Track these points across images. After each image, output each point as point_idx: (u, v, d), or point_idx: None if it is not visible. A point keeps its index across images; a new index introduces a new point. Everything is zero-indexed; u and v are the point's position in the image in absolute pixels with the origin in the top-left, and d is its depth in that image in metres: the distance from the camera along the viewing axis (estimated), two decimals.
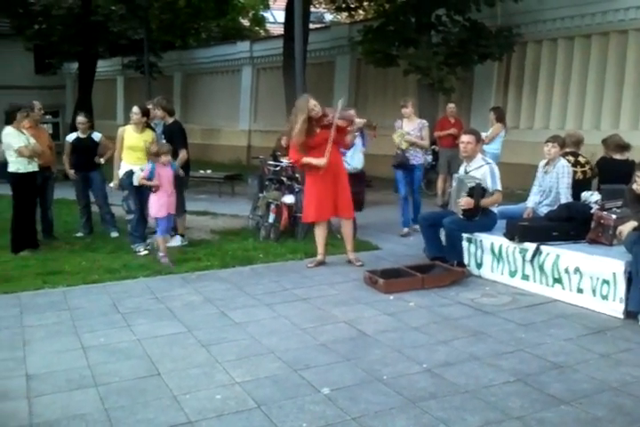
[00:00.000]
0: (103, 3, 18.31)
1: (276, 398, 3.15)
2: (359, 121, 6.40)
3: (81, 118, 7.42)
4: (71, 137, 7.45)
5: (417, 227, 6.78)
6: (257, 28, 25.25)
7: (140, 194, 6.38)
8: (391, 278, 5.09)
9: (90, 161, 7.28)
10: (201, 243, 7.06)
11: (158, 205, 5.99)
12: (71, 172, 7.38)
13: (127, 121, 7.56)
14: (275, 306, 4.70)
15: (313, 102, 5.60)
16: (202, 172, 11.65)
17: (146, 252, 6.40)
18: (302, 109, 5.53)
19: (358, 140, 7.17)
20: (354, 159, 7.22)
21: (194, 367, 3.53)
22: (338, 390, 3.22)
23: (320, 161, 5.58)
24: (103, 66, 21.68)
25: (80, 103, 18.60)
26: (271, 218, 7.08)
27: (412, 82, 12.10)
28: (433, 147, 11.30)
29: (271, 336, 4.04)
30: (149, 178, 5.96)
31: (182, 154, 6.62)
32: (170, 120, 6.88)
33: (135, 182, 6.17)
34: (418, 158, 7.37)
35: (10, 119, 6.26)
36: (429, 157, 10.83)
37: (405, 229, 7.38)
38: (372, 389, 3.25)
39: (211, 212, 9.27)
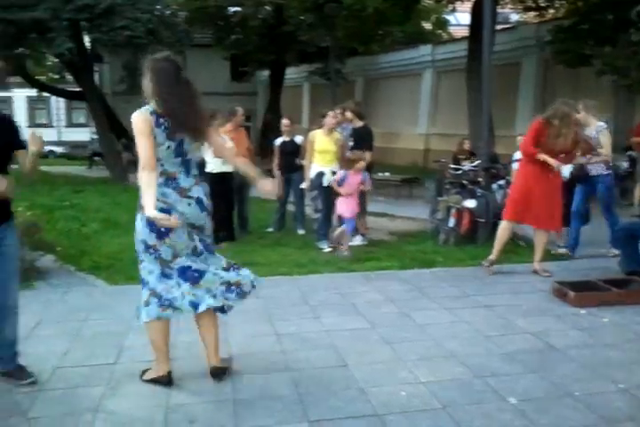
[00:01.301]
0: (294, 13, 19.35)
1: (460, 401, 3.14)
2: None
3: (284, 121, 7.90)
4: (278, 141, 7.93)
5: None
6: (439, 31, 25.09)
7: (328, 195, 6.69)
8: (583, 291, 4.81)
9: (292, 163, 7.68)
10: (380, 243, 7.22)
11: (344, 208, 6.34)
12: (278, 173, 7.75)
13: (312, 125, 7.94)
14: (456, 311, 4.67)
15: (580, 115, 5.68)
16: (380, 174, 11.87)
17: (329, 249, 6.70)
18: (569, 116, 5.44)
19: None
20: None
21: (378, 363, 3.64)
22: (525, 402, 3.14)
23: (555, 163, 5.43)
24: (291, 73, 22.95)
25: (270, 108, 19.88)
26: (451, 222, 7.03)
27: (606, 83, 11.28)
28: (629, 153, 10.42)
29: (453, 340, 4.03)
30: (340, 184, 6.30)
31: (367, 157, 6.83)
32: (359, 124, 7.13)
33: (325, 183, 6.52)
34: (599, 168, 6.15)
35: None
36: (625, 164, 10.02)
37: (563, 250, 6.50)
38: (562, 403, 3.11)
39: (389, 214, 9.42)
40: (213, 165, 6.82)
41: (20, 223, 4.67)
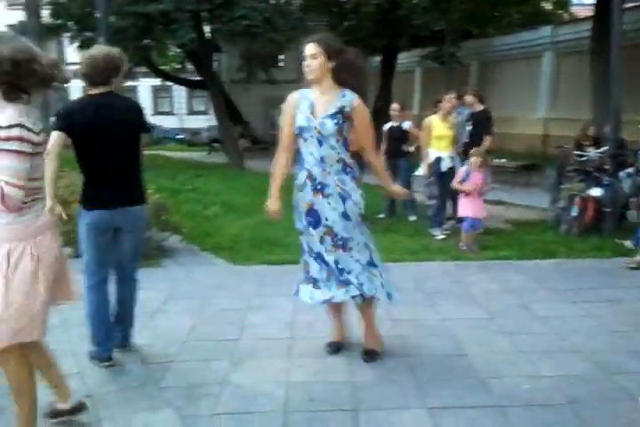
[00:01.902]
0: None
1: (587, 398, 3.00)
2: None
3: (394, 106, 7.83)
4: (386, 126, 7.87)
5: None
6: (560, 12, 23.74)
7: (443, 181, 6.57)
8: None
9: (398, 149, 7.64)
10: (496, 232, 7.00)
11: (464, 206, 6.15)
12: (384, 158, 7.81)
13: (423, 111, 7.78)
14: (580, 304, 4.45)
15: None
16: (496, 161, 11.47)
17: (443, 236, 6.60)
18: None
19: None
20: None
21: (498, 353, 3.56)
22: None
23: None
24: (402, 58, 22.61)
25: (381, 94, 19.75)
26: (574, 211, 6.69)
27: None
28: None
29: (577, 335, 3.85)
30: (463, 181, 6.11)
31: (487, 142, 6.64)
32: (479, 107, 6.95)
33: (442, 169, 6.39)
34: None
35: None
36: None
37: None
38: None
39: (505, 201, 9.10)
40: None
41: (149, 205, 4.96)
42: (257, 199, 9.26)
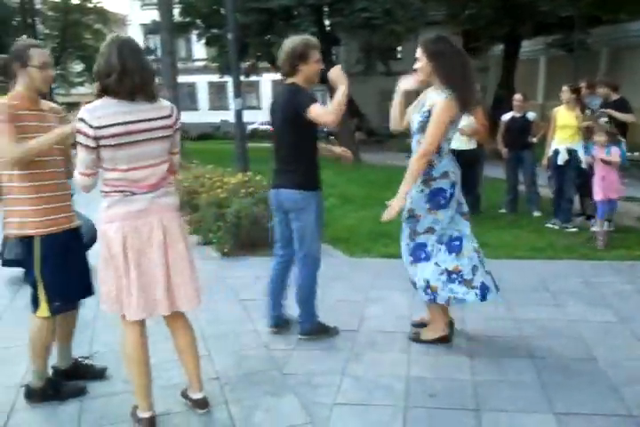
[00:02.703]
0: None
1: None
2: None
3: (517, 96, 7.51)
4: (506, 116, 7.60)
5: None
6: None
7: (562, 173, 6.34)
8: None
9: (522, 140, 7.34)
10: (628, 230, 6.55)
11: (596, 188, 5.86)
12: (504, 151, 7.56)
13: (547, 100, 7.43)
14: None
15: None
16: (629, 154, 10.71)
17: (574, 229, 6.35)
18: None
19: None
20: None
21: (633, 360, 3.33)
22: None
23: None
24: (525, 46, 21.64)
25: (502, 84, 19.05)
26: None
27: None
28: None
29: None
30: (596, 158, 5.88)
31: (630, 118, 6.36)
32: (615, 97, 6.58)
33: (559, 162, 6.18)
34: None
35: None
36: None
37: None
38: None
39: (637, 198, 8.49)
40: (459, 143, 6.69)
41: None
42: (373, 192, 9.38)
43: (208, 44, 19.66)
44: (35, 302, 2.89)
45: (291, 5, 13.75)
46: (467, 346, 3.58)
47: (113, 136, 2.45)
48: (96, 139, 2.45)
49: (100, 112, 2.45)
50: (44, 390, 3.01)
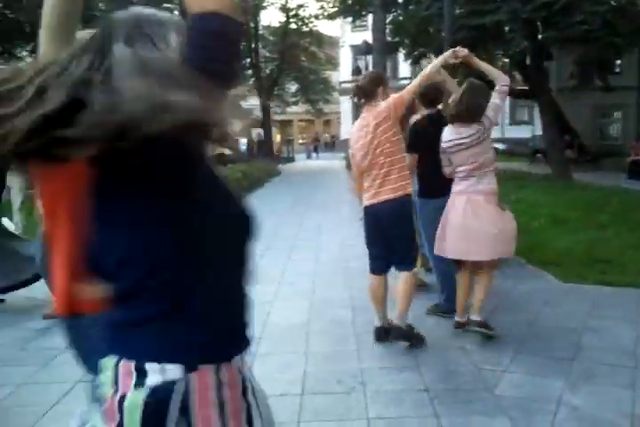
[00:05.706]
0: None
1: None
2: None
3: None
4: None
5: None
6: None
7: None
8: None
9: None
10: None
11: None
12: None
13: None
14: None
15: None
16: None
17: None
18: None
19: None
20: None
21: None
22: None
23: None
24: None
25: None
26: None
27: None
28: None
29: None
30: None
31: None
32: None
33: None
34: None
35: None
36: None
37: None
38: None
39: None
40: None
41: None
42: (587, 214, 8.77)
43: (414, 62, 19.95)
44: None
45: (503, 20, 13.44)
46: None
47: None
48: None
49: None
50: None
